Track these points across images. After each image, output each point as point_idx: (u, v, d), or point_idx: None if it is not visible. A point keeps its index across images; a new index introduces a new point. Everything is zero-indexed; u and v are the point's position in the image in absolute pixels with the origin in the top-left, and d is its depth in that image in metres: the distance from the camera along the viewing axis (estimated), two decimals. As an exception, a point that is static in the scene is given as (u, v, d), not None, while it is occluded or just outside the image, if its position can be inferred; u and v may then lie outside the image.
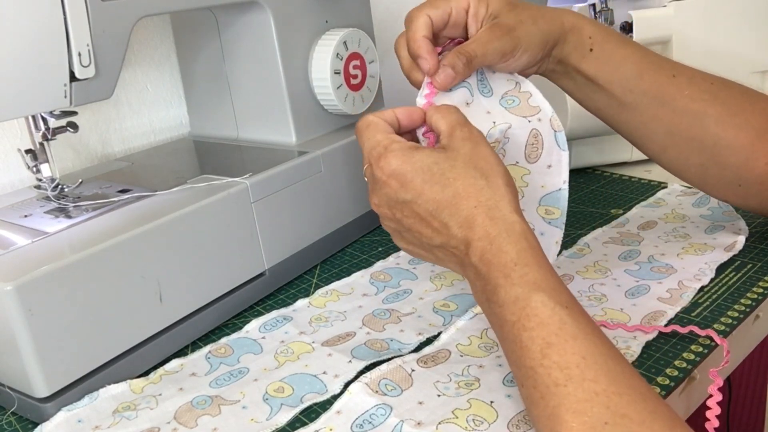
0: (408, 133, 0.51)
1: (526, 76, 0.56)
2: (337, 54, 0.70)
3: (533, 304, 0.40)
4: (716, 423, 0.42)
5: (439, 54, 0.52)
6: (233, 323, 0.60)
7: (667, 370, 0.48)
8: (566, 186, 0.53)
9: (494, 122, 0.51)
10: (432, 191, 0.45)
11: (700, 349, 0.50)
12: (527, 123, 0.52)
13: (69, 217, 0.56)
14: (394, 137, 0.47)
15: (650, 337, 0.52)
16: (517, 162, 0.53)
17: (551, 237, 0.55)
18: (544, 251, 0.56)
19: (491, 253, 0.43)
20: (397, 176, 0.45)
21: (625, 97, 0.56)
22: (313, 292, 0.63)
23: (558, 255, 0.65)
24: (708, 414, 0.43)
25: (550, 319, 0.40)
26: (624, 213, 0.74)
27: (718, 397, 0.43)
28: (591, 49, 0.55)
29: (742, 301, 0.56)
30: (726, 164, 0.57)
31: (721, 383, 0.44)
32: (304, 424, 0.46)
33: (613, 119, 0.59)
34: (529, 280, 0.41)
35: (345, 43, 0.71)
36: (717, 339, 0.50)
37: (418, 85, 0.53)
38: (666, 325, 0.53)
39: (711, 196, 0.63)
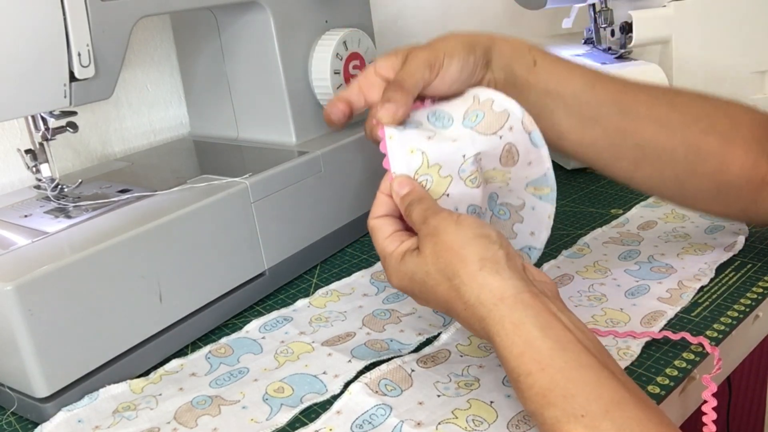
0: None
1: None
2: (337, 54, 0.70)
3: (547, 420, 0.38)
4: (713, 428, 0.42)
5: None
6: (233, 323, 0.60)
7: (667, 370, 0.48)
8: (551, 170, 0.52)
9: (464, 156, 0.49)
10: (425, 299, 0.46)
11: (700, 349, 0.50)
12: (498, 140, 0.50)
13: (69, 217, 0.56)
14: (386, 248, 0.48)
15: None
16: (495, 168, 0.51)
17: (543, 211, 0.54)
18: (536, 231, 0.54)
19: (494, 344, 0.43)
20: (400, 288, 0.48)
21: (583, 110, 0.55)
22: (313, 292, 0.63)
23: (558, 255, 0.65)
24: (705, 419, 0.43)
25: None
26: (624, 213, 0.74)
27: (713, 402, 0.43)
28: (535, 62, 0.55)
29: (742, 300, 0.56)
30: (701, 173, 0.55)
31: (715, 389, 0.44)
32: (304, 424, 0.46)
33: (581, 144, 0.56)
34: (536, 392, 0.39)
35: (345, 43, 0.71)
36: (708, 348, 0.50)
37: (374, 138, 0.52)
38: (661, 330, 0.52)
39: (692, 209, 0.61)
